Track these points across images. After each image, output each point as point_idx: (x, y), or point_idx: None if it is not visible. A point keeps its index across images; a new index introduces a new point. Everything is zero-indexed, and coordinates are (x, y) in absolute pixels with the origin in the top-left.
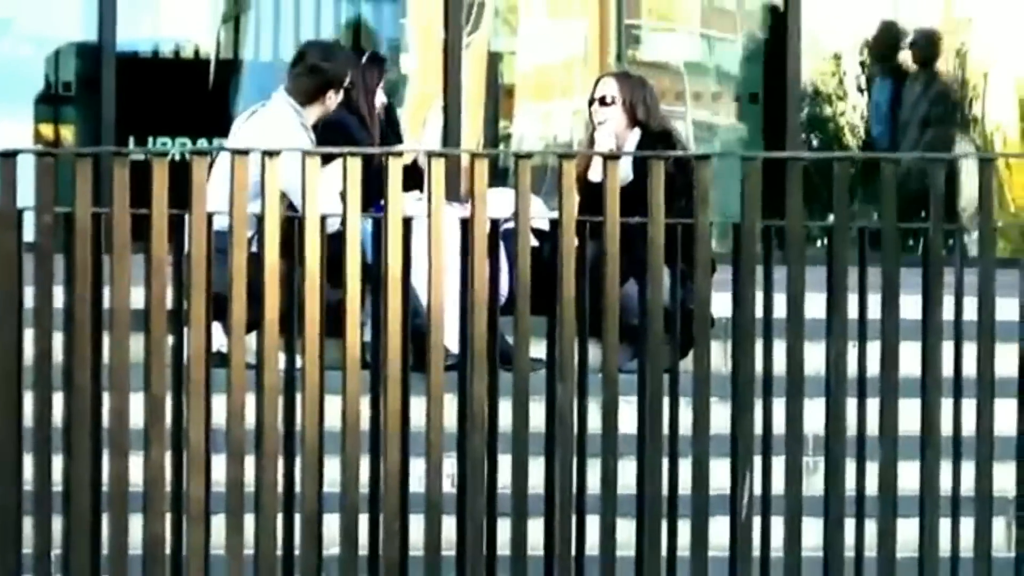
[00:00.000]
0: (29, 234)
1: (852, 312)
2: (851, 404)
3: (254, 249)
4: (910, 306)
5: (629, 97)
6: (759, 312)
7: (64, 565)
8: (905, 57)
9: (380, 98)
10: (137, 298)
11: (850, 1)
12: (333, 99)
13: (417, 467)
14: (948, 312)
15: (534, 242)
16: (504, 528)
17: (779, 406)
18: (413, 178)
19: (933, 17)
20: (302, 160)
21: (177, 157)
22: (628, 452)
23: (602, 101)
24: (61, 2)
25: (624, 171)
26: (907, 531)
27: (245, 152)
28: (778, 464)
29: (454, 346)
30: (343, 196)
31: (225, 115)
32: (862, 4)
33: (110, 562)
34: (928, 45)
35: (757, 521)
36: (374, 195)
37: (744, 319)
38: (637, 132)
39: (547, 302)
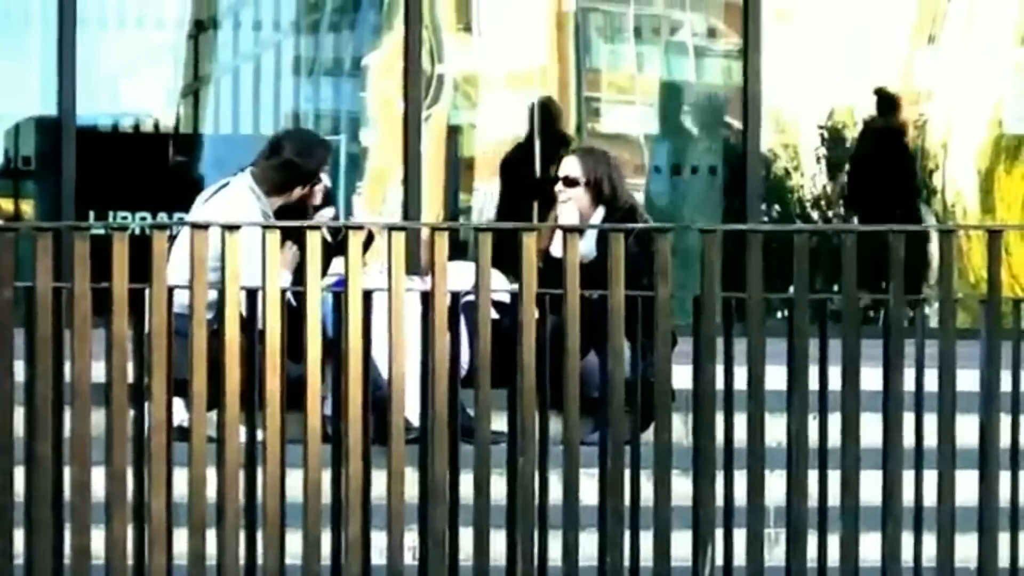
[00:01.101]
0: None
1: (813, 383)
2: (812, 475)
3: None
4: (871, 377)
5: (593, 175)
6: (720, 384)
7: None
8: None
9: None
10: (98, 372)
11: (808, 74)
12: (298, 192)
13: (379, 540)
14: (909, 383)
15: (494, 315)
16: None
17: (740, 478)
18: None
19: (893, 88)
20: (262, 235)
21: (137, 231)
22: (590, 524)
23: (565, 181)
24: (21, 77)
25: (587, 247)
26: None
27: (205, 226)
28: (740, 536)
29: (415, 418)
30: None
31: (185, 189)
32: (822, 77)
33: None
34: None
35: None
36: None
37: (705, 391)
38: (601, 210)
39: (508, 374)
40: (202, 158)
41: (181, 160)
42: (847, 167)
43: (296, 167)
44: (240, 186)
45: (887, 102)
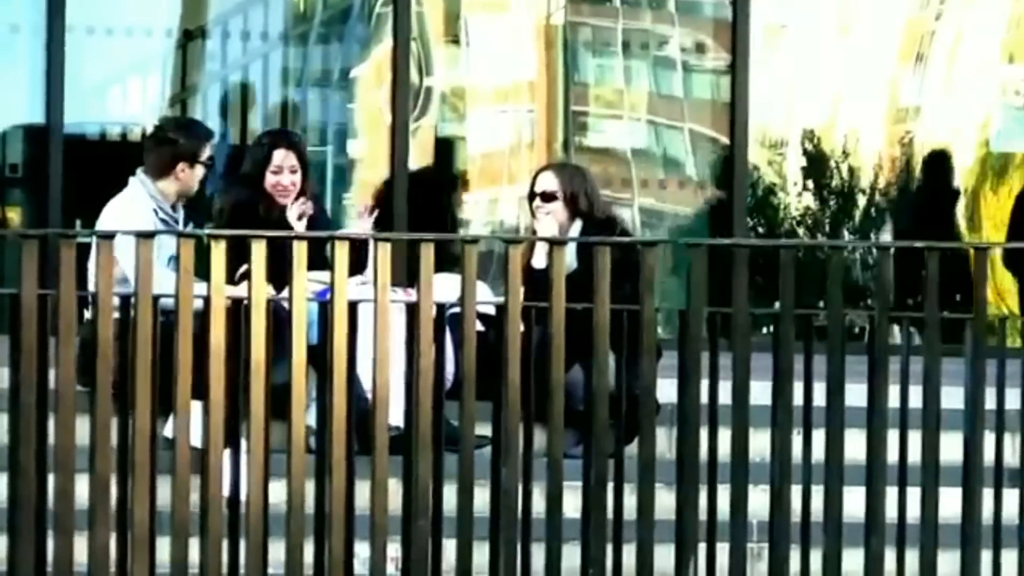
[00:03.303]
0: None
1: (797, 399)
2: (796, 490)
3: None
4: (855, 393)
5: (569, 189)
6: (704, 398)
7: None
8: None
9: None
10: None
11: (796, 90)
12: (188, 173)
13: (362, 550)
14: (893, 399)
15: (480, 327)
16: None
17: (724, 492)
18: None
19: (879, 106)
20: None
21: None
22: (573, 536)
23: (543, 196)
24: (9, 84)
25: (567, 259)
26: None
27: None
28: (723, 550)
29: (398, 420)
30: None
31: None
32: (808, 92)
33: None
34: None
35: None
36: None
37: (689, 405)
38: (579, 223)
39: (492, 386)
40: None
41: None
42: (836, 185)
43: (172, 143)
44: (131, 183)
45: (875, 119)
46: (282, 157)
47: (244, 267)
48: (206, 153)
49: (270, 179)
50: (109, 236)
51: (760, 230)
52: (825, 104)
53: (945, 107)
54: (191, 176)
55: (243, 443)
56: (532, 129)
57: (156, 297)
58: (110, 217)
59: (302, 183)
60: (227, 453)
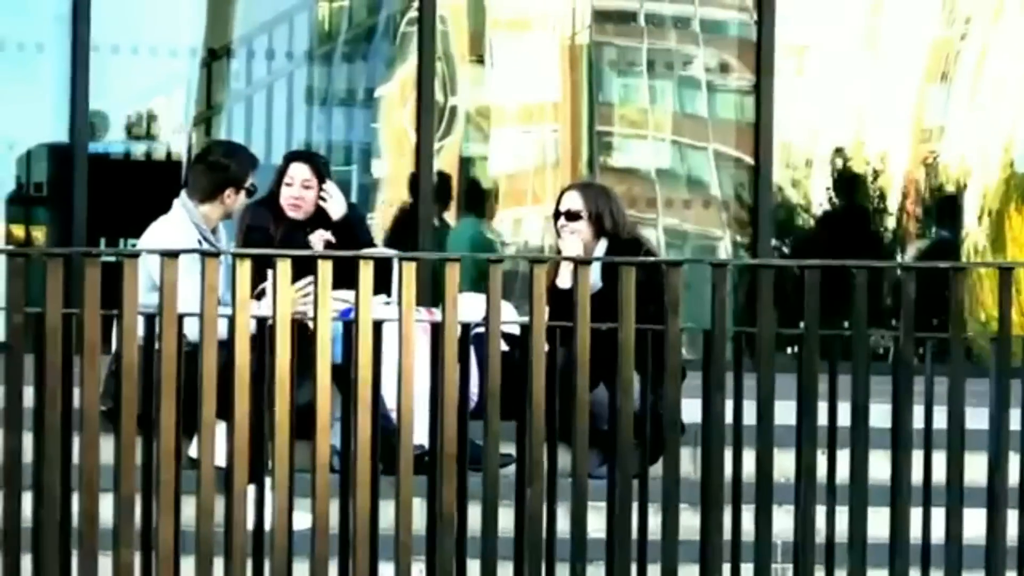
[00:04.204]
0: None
1: (822, 419)
2: (820, 511)
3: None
4: (880, 413)
5: (594, 209)
6: (729, 418)
7: None
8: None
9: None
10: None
11: (821, 110)
12: (233, 198)
13: (386, 570)
14: (918, 420)
15: (504, 347)
16: None
17: (748, 512)
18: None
19: (904, 126)
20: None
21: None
22: (597, 557)
23: (568, 215)
24: (33, 103)
25: (592, 279)
26: None
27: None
28: (747, 571)
29: (422, 439)
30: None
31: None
32: (833, 112)
33: None
34: None
35: None
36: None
37: (714, 425)
38: (604, 243)
39: (517, 406)
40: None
41: None
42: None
43: (221, 168)
44: (174, 206)
45: (900, 139)
46: (296, 170)
47: (262, 285)
48: (251, 179)
49: (284, 192)
50: (134, 255)
51: (784, 250)
52: (850, 124)
53: (970, 127)
54: (235, 201)
55: (266, 469)
56: (557, 149)
57: (181, 316)
58: (152, 240)
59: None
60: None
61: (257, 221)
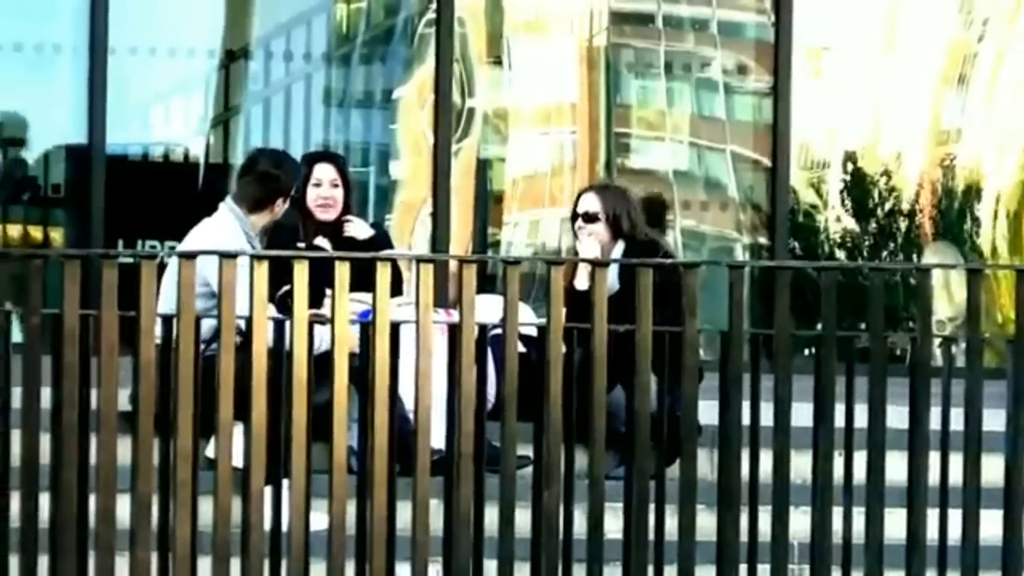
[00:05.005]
0: (17, 335)
1: (838, 420)
2: (837, 512)
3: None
4: (896, 415)
5: (612, 210)
6: (746, 420)
7: None
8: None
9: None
10: (124, 399)
11: (838, 112)
12: (281, 207)
13: (403, 571)
14: (934, 422)
15: (521, 348)
16: None
17: (765, 513)
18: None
19: (921, 127)
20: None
21: (166, 260)
22: (614, 558)
23: (585, 217)
24: (51, 104)
25: (610, 281)
26: None
27: (193, 256)
28: (764, 572)
29: (440, 442)
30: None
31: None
32: (850, 114)
33: None
34: None
35: None
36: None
37: (731, 426)
38: (621, 244)
39: (534, 408)
40: (231, 188)
41: (210, 189)
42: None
43: (272, 178)
44: (221, 210)
45: (917, 141)
46: (322, 171)
47: (285, 288)
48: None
49: (311, 193)
50: (151, 256)
51: (801, 252)
52: (867, 126)
53: (987, 129)
54: (282, 209)
55: (282, 471)
56: (574, 151)
57: (199, 317)
58: (201, 242)
59: (345, 199)
60: (268, 489)
61: (283, 220)
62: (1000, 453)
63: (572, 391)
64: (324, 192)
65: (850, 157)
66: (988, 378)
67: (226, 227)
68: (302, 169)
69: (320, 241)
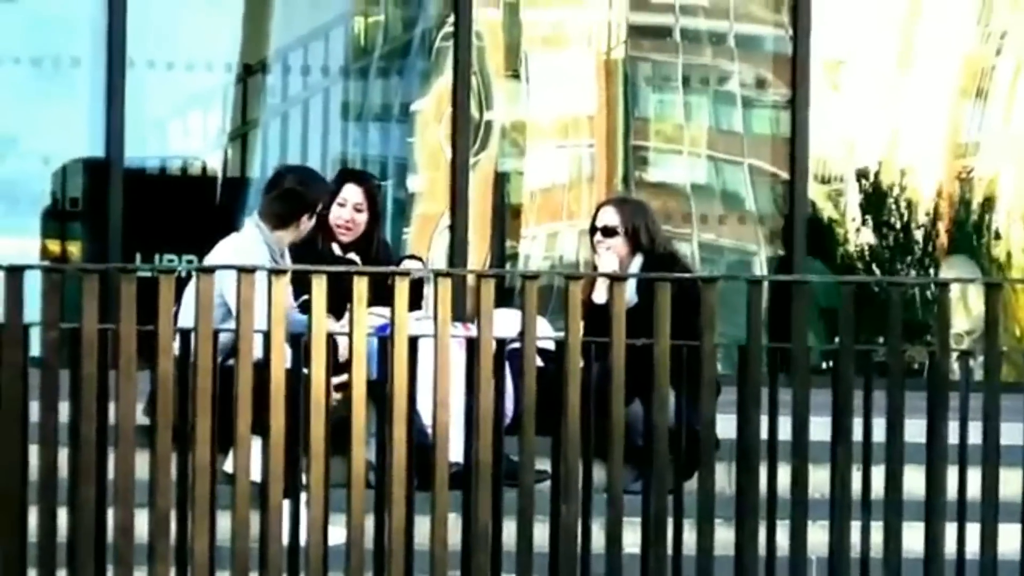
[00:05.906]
0: (35, 349)
1: (857, 434)
2: (855, 526)
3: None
4: (914, 429)
5: (630, 224)
6: (764, 434)
7: None
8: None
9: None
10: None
11: (856, 125)
12: (307, 224)
13: None
14: (953, 436)
15: (539, 362)
16: None
17: (783, 528)
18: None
19: (939, 141)
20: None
21: (183, 274)
22: (632, 573)
23: (603, 230)
24: (69, 118)
25: (628, 294)
26: None
27: (211, 270)
28: None
29: (458, 456)
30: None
31: (231, 233)
32: (868, 128)
33: None
34: None
35: None
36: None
37: (749, 441)
38: (640, 258)
39: (552, 422)
40: (249, 202)
41: (228, 203)
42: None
43: (298, 196)
44: (247, 226)
45: (934, 155)
46: (350, 192)
47: (303, 298)
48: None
49: (333, 212)
50: (170, 271)
51: (819, 266)
52: (885, 139)
53: (1005, 142)
54: (308, 226)
55: (301, 485)
56: (592, 164)
57: (216, 332)
58: (224, 257)
59: (368, 226)
60: (286, 503)
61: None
62: (1018, 467)
63: (590, 405)
64: (346, 215)
65: (867, 170)
66: (1005, 391)
67: (250, 243)
68: (330, 185)
69: (350, 256)
